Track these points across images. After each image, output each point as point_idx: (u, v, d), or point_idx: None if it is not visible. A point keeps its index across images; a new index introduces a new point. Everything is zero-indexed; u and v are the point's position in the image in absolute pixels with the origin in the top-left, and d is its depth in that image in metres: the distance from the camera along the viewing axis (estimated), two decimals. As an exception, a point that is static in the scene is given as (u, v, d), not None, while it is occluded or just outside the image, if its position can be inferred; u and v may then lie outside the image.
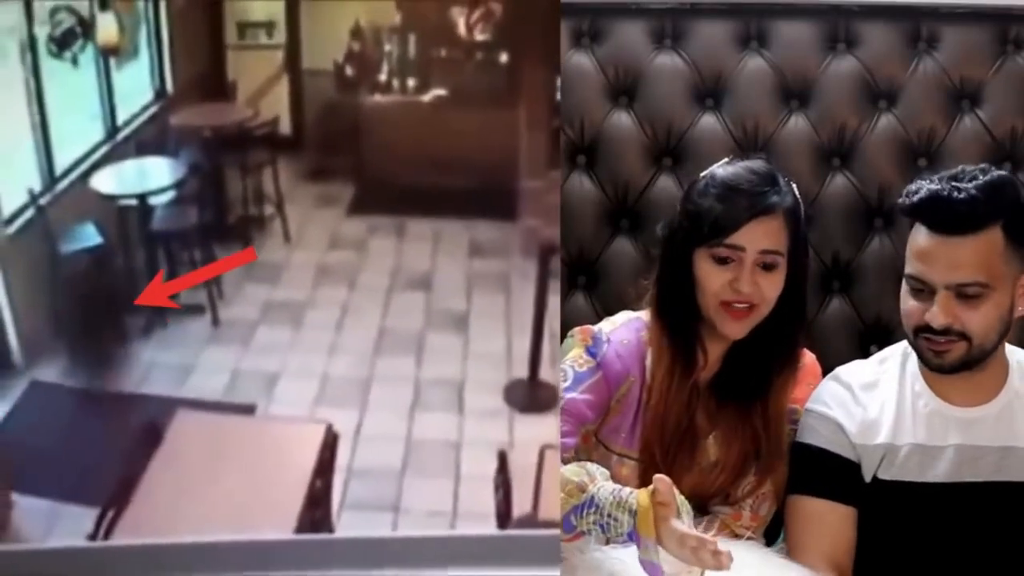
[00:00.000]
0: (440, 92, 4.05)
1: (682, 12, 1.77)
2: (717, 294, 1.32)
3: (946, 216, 1.28)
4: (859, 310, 1.76)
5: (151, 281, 3.06)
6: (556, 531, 1.25)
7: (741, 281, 1.30)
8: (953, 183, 1.30)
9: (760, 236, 1.31)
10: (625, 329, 1.39)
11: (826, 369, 1.46)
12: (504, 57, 4.08)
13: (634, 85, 1.76)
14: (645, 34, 1.77)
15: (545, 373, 2.77)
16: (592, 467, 1.26)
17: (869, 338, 1.74)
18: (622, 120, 1.76)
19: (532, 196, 3.32)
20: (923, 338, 1.32)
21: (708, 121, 1.76)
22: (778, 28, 1.78)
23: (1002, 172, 1.35)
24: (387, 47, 4.17)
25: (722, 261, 1.32)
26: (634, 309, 1.43)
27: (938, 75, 1.77)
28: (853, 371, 1.42)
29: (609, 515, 1.21)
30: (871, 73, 1.77)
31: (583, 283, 1.77)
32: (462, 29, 4.09)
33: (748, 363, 1.37)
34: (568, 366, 1.38)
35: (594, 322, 1.45)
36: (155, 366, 2.79)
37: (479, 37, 4.08)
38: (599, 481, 1.24)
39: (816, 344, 1.50)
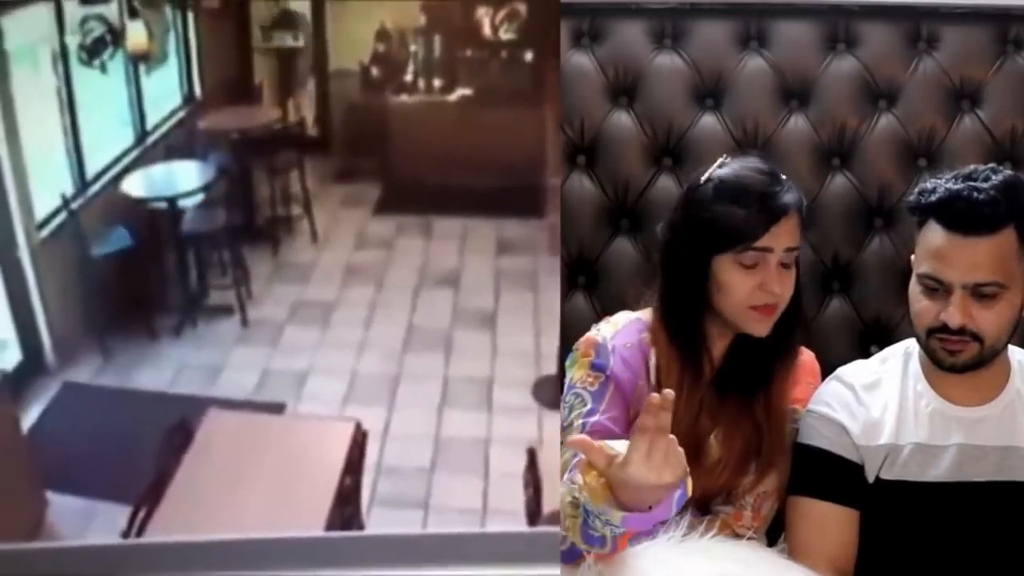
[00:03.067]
0: (466, 92, 4.05)
1: (682, 12, 1.76)
2: (746, 300, 1.30)
3: (967, 216, 1.27)
4: (859, 310, 1.74)
5: (181, 283, 3.08)
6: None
7: (771, 283, 1.29)
8: (970, 183, 1.28)
9: (784, 236, 1.31)
10: (626, 332, 1.37)
11: (826, 369, 1.44)
12: (529, 56, 4.07)
13: (634, 85, 1.75)
14: (645, 34, 1.76)
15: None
16: (576, 476, 1.19)
17: (869, 338, 1.72)
18: (622, 120, 1.75)
19: (558, 193, 3.30)
20: (936, 338, 1.30)
21: (708, 121, 1.75)
22: (778, 28, 1.77)
23: (1010, 172, 1.34)
24: (412, 48, 4.17)
25: (747, 265, 1.30)
26: (633, 310, 1.42)
27: (938, 75, 1.75)
28: (855, 371, 1.41)
29: (598, 516, 1.17)
30: (871, 73, 1.75)
31: (583, 283, 1.76)
32: (487, 29, 4.08)
33: (750, 357, 1.35)
34: (581, 390, 1.36)
35: (594, 322, 1.43)
36: (186, 366, 2.81)
37: (504, 37, 4.08)
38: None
39: (816, 344, 1.49)
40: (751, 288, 1.30)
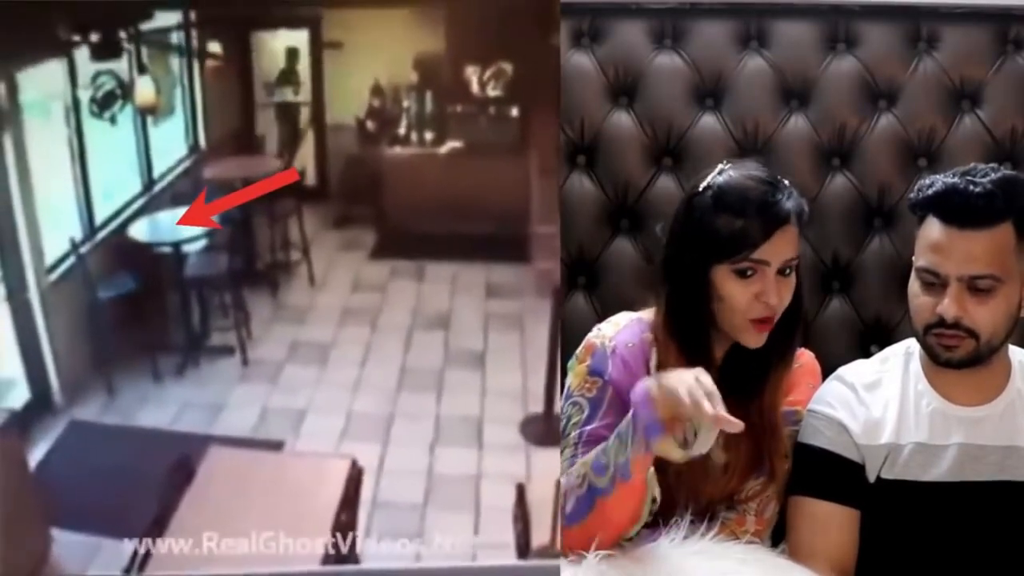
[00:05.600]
0: (456, 144, 4.08)
1: (682, 12, 1.76)
2: (746, 311, 1.29)
3: (963, 208, 1.28)
4: (859, 310, 1.73)
5: (184, 324, 3.06)
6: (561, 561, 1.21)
7: (769, 294, 1.29)
8: (968, 177, 1.29)
9: (783, 247, 1.30)
10: (628, 331, 1.36)
11: (826, 369, 1.42)
12: (515, 111, 4.11)
13: (634, 85, 1.75)
14: (645, 34, 1.76)
15: (559, 408, 2.74)
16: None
17: (869, 338, 1.70)
18: (622, 120, 1.75)
19: (544, 240, 3.32)
20: (933, 334, 1.30)
21: (708, 121, 1.74)
22: (778, 28, 1.77)
23: (1010, 171, 1.34)
24: (406, 103, 4.22)
25: (744, 274, 1.29)
26: (633, 310, 1.40)
27: (938, 75, 1.75)
28: (856, 371, 1.40)
29: (617, 435, 1.17)
30: (871, 73, 1.75)
31: (583, 283, 1.74)
32: (475, 87, 4.13)
33: (749, 361, 1.34)
34: (578, 397, 1.34)
35: (594, 322, 1.41)
36: (188, 404, 2.78)
37: (491, 94, 4.12)
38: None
39: (816, 344, 1.48)
40: (749, 299, 1.29)
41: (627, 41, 1.75)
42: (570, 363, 1.37)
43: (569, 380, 1.36)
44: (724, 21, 1.75)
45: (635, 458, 1.17)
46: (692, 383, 1.11)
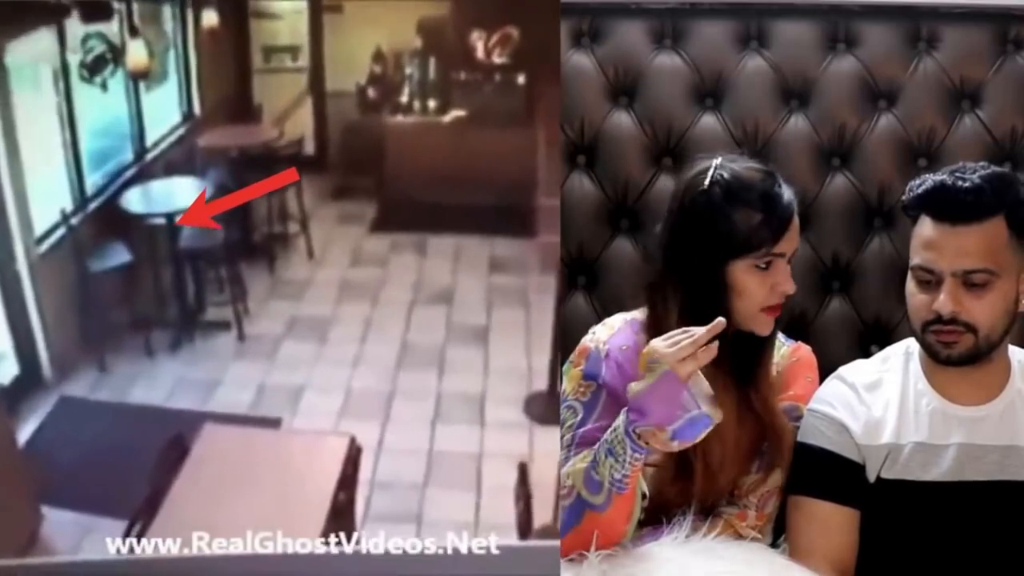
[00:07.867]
0: (459, 113, 4.05)
1: (682, 12, 1.75)
2: (763, 301, 1.30)
3: (952, 205, 1.28)
4: (859, 310, 1.73)
5: (178, 298, 3.06)
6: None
7: (786, 283, 1.30)
8: (957, 174, 1.29)
9: (793, 236, 1.32)
10: (622, 334, 1.36)
11: (826, 369, 1.42)
12: (521, 79, 4.08)
13: (634, 85, 1.74)
14: (645, 34, 1.75)
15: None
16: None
17: (869, 338, 1.70)
18: (622, 120, 1.74)
19: (549, 213, 3.30)
20: (931, 331, 1.30)
21: (708, 121, 1.74)
22: (778, 28, 1.76)
23: (1002, 169, 1.35)
24: (408, 70, 4.18)
25: (762, 267, 1.30)
26: (628, 309, 1.40)
27: (938, 75, 1.75)
28: (856, 371, 1.40)
29: (609, 441, 1.19)
30: (871, 73, 1.74)
31: (583, 283, 1.74)
32: (480, 53, 4.09)
33: (740, 349, 1.34)
34: (573, 401, 1.35)
35: (594, 322, 1.41)
36: (183, 381, 2.78)
37: (497, 60, 4.08)
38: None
39: (816, 344, 1.47)
40: (767, 290, 1.30)
41: (627, 41, 1.73)
42: (565, 367, 1.38)
43: (564, 384, 1.37)
44: (724, 21, 1.74)
45: (631, 472, 1.18)
46: (674, 340, 1.14)
